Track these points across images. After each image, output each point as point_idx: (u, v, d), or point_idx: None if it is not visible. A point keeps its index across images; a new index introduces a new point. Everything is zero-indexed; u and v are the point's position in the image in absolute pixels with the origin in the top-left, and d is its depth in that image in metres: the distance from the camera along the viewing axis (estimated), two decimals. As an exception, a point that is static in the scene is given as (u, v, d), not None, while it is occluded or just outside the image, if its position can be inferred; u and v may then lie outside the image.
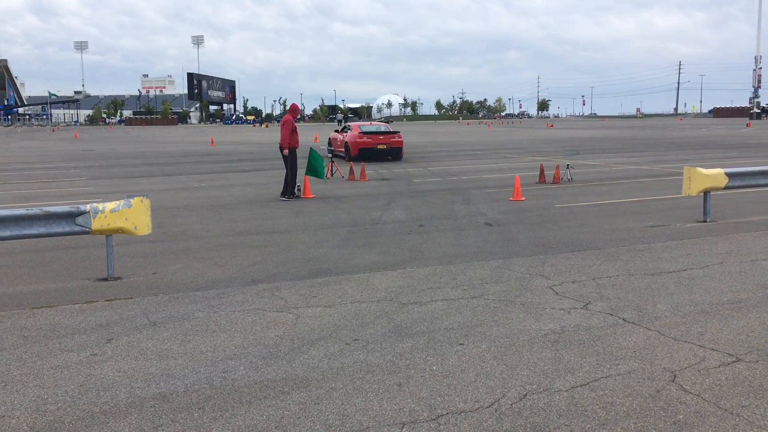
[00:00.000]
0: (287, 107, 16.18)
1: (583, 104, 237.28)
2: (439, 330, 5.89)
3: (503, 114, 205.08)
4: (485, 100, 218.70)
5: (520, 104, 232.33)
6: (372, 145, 26.16)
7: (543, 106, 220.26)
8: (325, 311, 6.50)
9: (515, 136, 56.17)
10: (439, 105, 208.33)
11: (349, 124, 28.66)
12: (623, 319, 6.12)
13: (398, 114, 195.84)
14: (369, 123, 29.01)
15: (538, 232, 10.66)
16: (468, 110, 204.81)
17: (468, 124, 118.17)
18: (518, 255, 8.98)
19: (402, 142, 27.21)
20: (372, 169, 22.57)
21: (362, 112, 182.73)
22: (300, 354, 5.35)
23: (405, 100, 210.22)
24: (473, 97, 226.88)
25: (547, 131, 68.03)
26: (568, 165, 19.28)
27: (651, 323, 6.00)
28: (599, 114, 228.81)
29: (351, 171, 20.23)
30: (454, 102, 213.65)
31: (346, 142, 26.82)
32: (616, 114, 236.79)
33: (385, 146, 26.44)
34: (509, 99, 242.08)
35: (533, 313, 6.35)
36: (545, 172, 18.43)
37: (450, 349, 5.42)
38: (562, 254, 8.98)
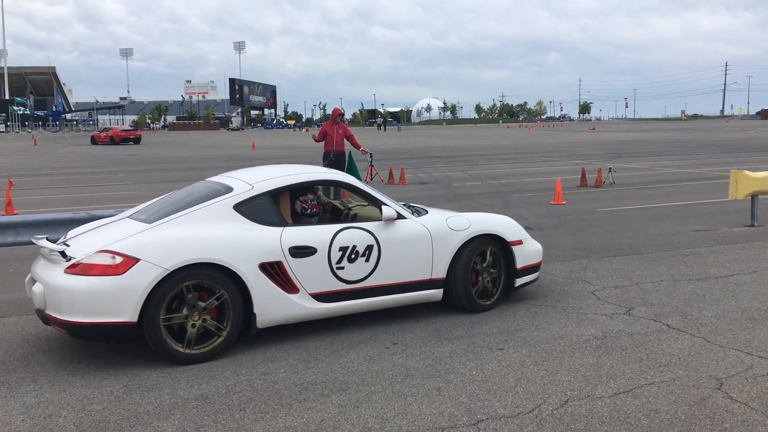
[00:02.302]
0: (329, 112, 16.24)
1: (626, 107, 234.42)
2: (479, 334, 5.86)
3: (544, 117, 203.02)
4: (525, 103, 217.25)
5: (561, 107, 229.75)
6: None
7: (584, 108, 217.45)
8: (365, 315, 6.51)
9: (556, 139, 55.60)
10: (478, 108, 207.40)
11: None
12: (667, 326, 6.00)
13: (437, 118, 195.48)
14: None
15: (580, 237, 10.53)
16: (508, 114, 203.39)
17: (508, 127, 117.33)
18: (559, 259, 8.87)
19: None
20: (411, 173, 22.58)
21: (401, 116, 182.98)
22: (339, 357, 5.38)
23: (444, 103, 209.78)
24: (513, 101, 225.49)
25: (588, 134, 67.15)
26: (610, 168, 19.00)
27: (696, 330, 5.88)
28: (642, 116, 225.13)
29: (390, 175, 20.27)
30: (494, 105, 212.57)
31: None
32: (660, 116, 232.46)
33: None
34: (550, 102, 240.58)
35: (574, 318, 6.27)
36: (587, 176, 18.19)
37: (490, 354, 5.38)
38: (605, 259, 8.85)
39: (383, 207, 6.17)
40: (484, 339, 5.74)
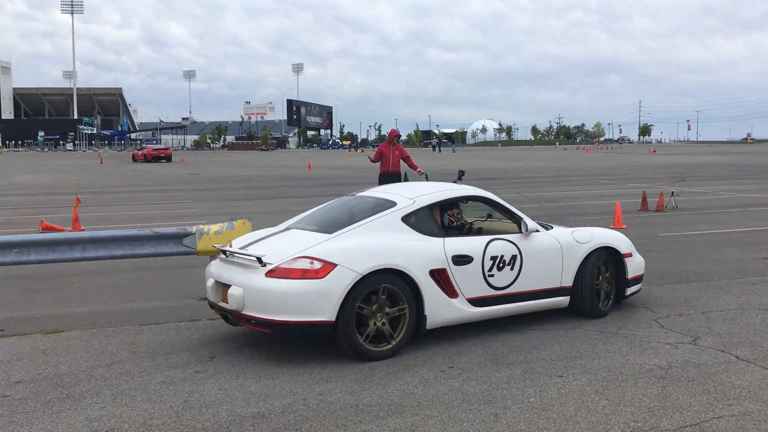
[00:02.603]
0: (384, 133, 16.32)
1: (689, 129, 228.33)
2: (537, 360, 5.74)
3: (602, 139, 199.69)
4: (583, 125, 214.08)
5: (620, 129, 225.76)
6: None
7: (645, 131, 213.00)
8: (421, 338, 6.46)
9: (615, 161, 54.56)
10: (535, 130, 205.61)
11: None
12: (736, 357, 5.76)
13: (493, 139, 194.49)
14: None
15: (641, 262, 10.24)
16: (565, 135, 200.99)
17: (565, 149, 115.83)
18: (620, 285, 8.63)
19: None
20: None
21: (456, 137, 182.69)
22: (395, 379, 5.34)
23: (500, 125, 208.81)
24: (570, 122, 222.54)
25: (649, 157, 65.70)
26: (672, 192, 18.51)
27: (767, 362, 5.62)
28: (706, 139, 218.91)
29: (445, 196, 20.19)
30: (551, 127, 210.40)
31: None
32: (725, 139, 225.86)
33: None
34: (608, 124, 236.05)
35: (637, 346, 6.09)
36: (648, 200, 17.75)
37: (549, 380, 5.26)
38: (668, 285, 8.58)
39: (525, 221, 6.85)
40: (543, 365, 5.62)
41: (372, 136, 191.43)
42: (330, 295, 5.56)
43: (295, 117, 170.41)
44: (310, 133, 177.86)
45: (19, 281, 9.25)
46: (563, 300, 6.97)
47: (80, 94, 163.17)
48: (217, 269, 6.30)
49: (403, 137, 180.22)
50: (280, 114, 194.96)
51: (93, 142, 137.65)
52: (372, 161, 16.06)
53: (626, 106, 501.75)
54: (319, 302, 5.54)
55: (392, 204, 6.47)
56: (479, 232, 7.19)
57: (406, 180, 16.13)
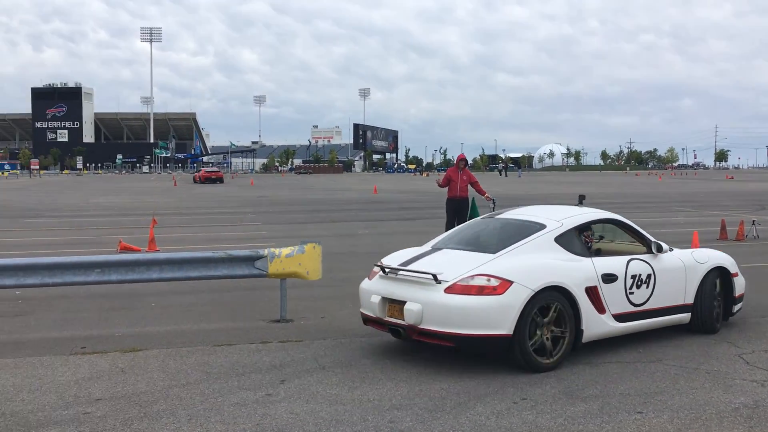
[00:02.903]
0: (450, 157, 16.26)
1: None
2: (614, 395, 5.55)
3: (675, 165, 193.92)
4: (655, 150, 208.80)
5: (695, 154, 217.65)
6: None
7: (721, 156, 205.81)
8: (490, 366, 6.35)
9: (690, 188, 52.85)
10: (604, 155, 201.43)
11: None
12: (830, 398, 5.43)
13: (560, 164, 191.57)
14: None
15: (722, 294, 9.81)
16: (636, 160, 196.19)
17: (636, 174, 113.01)
18: (699, 317, 8.29)
19: None
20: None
21: (523, 162, 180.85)
22: (466, 409, 5.25)
23: (568, 149, 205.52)
24: (642, 147, 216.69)
25: (726, 183, 63.37)
26: (753, 221, 17.73)
27: None
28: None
29: (513, 222, 19.93)
30: (621, 152, 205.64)
31: None
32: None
33: None
34: (682, 149, 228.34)
35: (720, 383, 5.82)
36: (727, 228, 17.07)
37: (627, 417, 5.07)
38: (752, 319, 8.20)
39: (657, 243, 7.41)
40: (620, 400, 5.43)
41: (437, 160, 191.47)
42: (509, 309, 6.00)
43: (361, 141, 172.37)
44: (375, 156, 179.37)
45: (99, 300, 9.58)
46: (686, 317, 7.45)
47: (156, 118, 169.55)
48: (384, 286, 6.69)
49: (469, 161, 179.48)
50: (347, 138, 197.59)
51: (167, 164, 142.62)
52: (440, 186, 16.01)
53: (701, 130, 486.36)
54: (499, 317, 5.98)
55: (542, 226, 6.96)
56: (600, 252, 7.58)
57: (473, 206, 15.99)
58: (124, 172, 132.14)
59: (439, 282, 6.18)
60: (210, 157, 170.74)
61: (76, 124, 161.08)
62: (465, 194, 15.54)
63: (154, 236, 15.40)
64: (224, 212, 28.06)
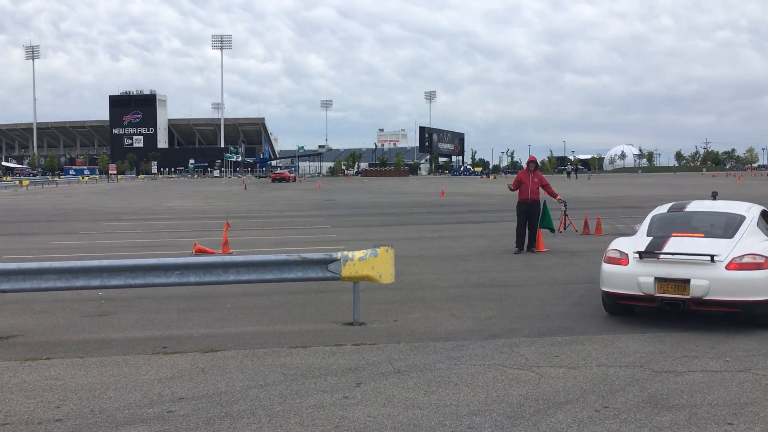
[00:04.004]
0: (517, 159, 16.06)
1: None
2: (702, 405, 5.34)
3: (755, 165, 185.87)
4: (733, 150, 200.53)
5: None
6: None
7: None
8: (569, 372, 6.22)
9: (771, 189, 50.54)
10: (679, 156, 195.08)
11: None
12: None
13: (632, 165, 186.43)
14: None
15: (813, 300, 9.33)
16: (713, 161, 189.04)
17: (714, 176, 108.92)
18: (790, 325, 7.91)
19: None
20: (607, 223, 21.58)
21: (593, 164, 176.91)
22: (546, 417, 5.15)
23: (640, 150, 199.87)
24: (719, 147, 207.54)
25: (810, 184, 60.32)
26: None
27: None
28: None
29: (585, 225, 19.51)
30: (697, 152, 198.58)
31: None
32: None
33: None
34: (762, 149, 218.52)
35: (817, 395, 5.51)
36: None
37: (717, 428, 4.87)
38: None
39: None
40: (709, 410, 5.21)
41: (504, 163, 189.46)
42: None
43: (426, 144, 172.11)
44: (441, 159, 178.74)
45: (177, 301, 9.86)
46: None
47: (227, 124, 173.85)
48: (655, 269, 7.89)
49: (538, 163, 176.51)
50: (413, 141, 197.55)
51: (237, 168, 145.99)
52: (511, 189, 15.82)
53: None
54: (766, 286, 7.57)
55: (742, 216, 8.62)
56: None
57: (545, 208, 15.72)
58: (195, 176, 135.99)
59: (714, 262, 7.63)
60: (278, 161, 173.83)
61: (151, 130, 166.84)
62: (536, 197, 15.30)
63: (228, 239, 15.75)
64: (293, 215, 28.48)
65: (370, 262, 8.27)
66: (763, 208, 9.10)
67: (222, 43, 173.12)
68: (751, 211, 8.83)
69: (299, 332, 8.00)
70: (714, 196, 10.86)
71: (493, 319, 8.54)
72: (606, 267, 8.41)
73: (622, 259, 8.28)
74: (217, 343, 7.44)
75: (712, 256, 7.67)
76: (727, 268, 7.65)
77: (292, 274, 8.14)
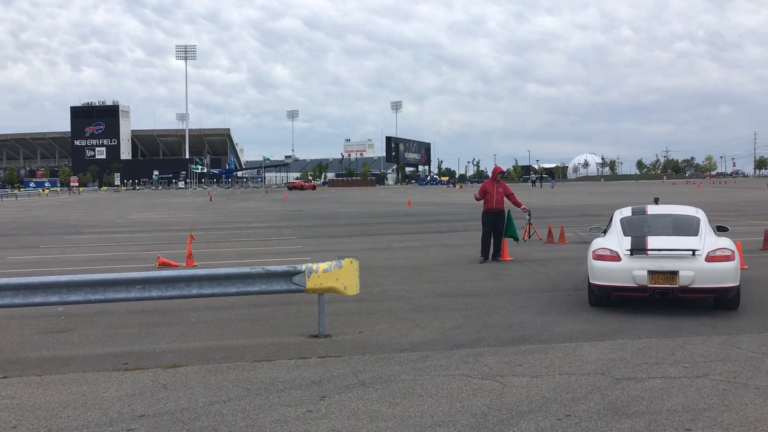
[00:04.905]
0: (482, 168, 16.25)
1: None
2: (661, 411, 5.42)
3: (714, 173, 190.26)
4: (692, 158, 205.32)
5: (734, 162, 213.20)
6: None
7: (761, 164, 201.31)
8: (531, 381, 6.27)
9: (730, 197, 51.78)
10: (640, 164, 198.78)
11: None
12: None
13: (595, 173, 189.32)
14: None
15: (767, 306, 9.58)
16: (673, 169, 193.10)
17: (674, 183, 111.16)
18: (745, 331, 8.11)
19: None
20: (571, 231, 21.86)
21: (557, 172, 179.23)
22: (509, 426, 5.18)
23: (603, 159, 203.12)
24: (679, 156, 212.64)
25: (767, 192, 61.93)
26: (797, 229, 17.25)
27: None
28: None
29: (549, 233, 19.75)
30: (657, 161, 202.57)
31: None
32: None
33: None
34: (720, 157, 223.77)
35: (772, 399, 5.64)
36: (770, 238, 16.64)
37: (675, 434, 4.94)
38: (801, 332, 7.95)
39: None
40: (668, 417, 5.30)
41: (470, 172, 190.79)
42: (739, 269, 9.11)
43: (393, 153, 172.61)
44: (408, 169, 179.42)
45: (140, 316, 9.71)
46: None
47: (192, 135, 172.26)
48: (646, 263, 8.99)
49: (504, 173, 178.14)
50: (379, 151, 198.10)
51: (203, 180, 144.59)
52: (477, 199, 15.94)
53: (740, 138, 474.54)
54: (737, 273, 9.03)
55: (696, 218, 9.96)
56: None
57: (509, 217, 15.89)
58: (160, 188, 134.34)
59: (695, 255, 8.87)
60: (244, 171, 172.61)
61: (114, 142, 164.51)
62: (501, 206, 15.45)
63: (192, 252, 15.57)
64: (260, 227, 28.29)
65: (335, 273, 8.25)
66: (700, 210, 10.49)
67: (186, 53, 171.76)
68: (699, 213, 10.17)
69: (264, 345, 7.94)
70: (656, 201, 12.01)
71: (458, 329, 8.57)
72: (598, 263, 9.31)
73: (614, 256, 9.22)
74: (180, 359, 7.34)
75: (693, 251, 8.88)
76: (706, 260, 8.90)
77: (256, 287, 8.08)
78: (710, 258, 8.95)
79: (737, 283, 9.04)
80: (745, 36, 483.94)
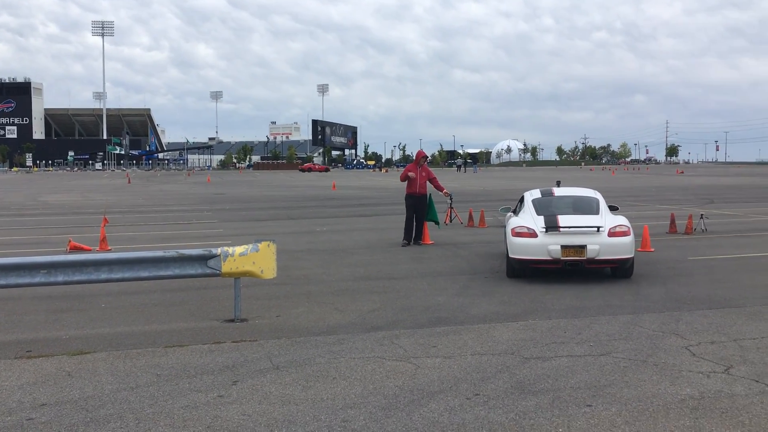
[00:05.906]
0: (408, 153, 16.39)
1: (717, 150, 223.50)
2: (565, 389, 5.63)
3: (628, 160, 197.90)
4: (609, 145, 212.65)
5: (647, 150, 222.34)
6: None
7: (672, 151, 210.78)
8: (444, 362, 6.39)
9: (642, 182, 54.01)
10: (560, 150, 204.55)
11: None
12: (771, 387, 5.59)
13: (518, 159, 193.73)
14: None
15: (670, 287, 10.06)
16: (591, 156, 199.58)
17: (591, 169, 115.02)
18: (648, 310, 8.49)
19: None
20: (491, 215, 22.31)
21: (481, 158, 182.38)
22: (419, 407, 5.26)
23: (525, 145, 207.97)
24: (596, 143, 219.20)
25: (677, 178, 64.96)
26: (702, 215, 18.20)
27: (805, 393, 5.44)
28: (735, 160, 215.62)
29: (470, 217, 20.09)
30: (576, 147, 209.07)
31: None
32: (755, 160, 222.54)
33: None
34: (635, 144, 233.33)
35: (668, 375, 5.94)
36: (676, 222, 17.49)
37: (577, 410, 5.14)
38: (698, 311, 8.40)
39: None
40: (571, 393, 5.50)
41: (396, 156, 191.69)
42: (633, 243, 10.45)
43: (320, 137, 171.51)
44: (334, 153, 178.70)
45: (47, 301, 9.34)
46: None
47: (110, 114, 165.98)
48: (560, 239, 10.13)
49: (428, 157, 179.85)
50: (305, 134, 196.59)
51: (121, 162, 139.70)
52: (401, 180, 16.08)
53: (653, 126, 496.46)
54: (633, 247, 10.40)
55: (596, 198, 11.40)
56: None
57: (430, 201, 16.06)
58: (76, 169, 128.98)
59: (599, 231, 10.12)
60: (166, 153, 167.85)
61: (26, 120, 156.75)
62: (424, 191, 15.62)
63: (106, 235, 15.07)
64: (180, 210, 27.63)
65: (252, 257, 8.15)
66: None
67: (103, 29, 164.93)
68: (597, 194, 11.64)
69: (177, 331, 7.78)
70: (558, 184, 13.83)
71: (376, 312, 8.63)
72: (517, 240, 10.41)
73: (531, 233, 10.36)
74: (88, 345, 7.10)
75: (598, 228, 10.17)
76: (608, 235, 10.20)
77: (170, 271, 7.90)
78: (612, 233, 10.21)
79: (632, 255, 10.39)
80: (659, 27, 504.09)
